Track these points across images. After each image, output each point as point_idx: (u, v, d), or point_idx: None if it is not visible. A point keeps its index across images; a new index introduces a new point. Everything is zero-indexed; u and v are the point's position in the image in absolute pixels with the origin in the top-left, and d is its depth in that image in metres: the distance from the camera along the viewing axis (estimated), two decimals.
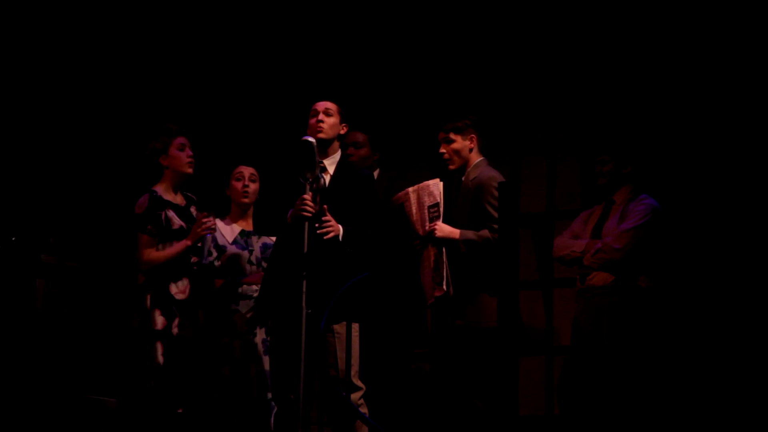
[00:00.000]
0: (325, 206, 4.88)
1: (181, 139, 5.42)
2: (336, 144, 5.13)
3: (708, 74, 5.88)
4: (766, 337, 5.31)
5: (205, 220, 5.31)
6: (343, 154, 5.24)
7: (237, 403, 5.43)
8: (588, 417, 5.40)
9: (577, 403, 5.55)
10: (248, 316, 5.50)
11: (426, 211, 5.32)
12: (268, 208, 5.06)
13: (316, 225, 4.84)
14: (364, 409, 4.97)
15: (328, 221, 4.87)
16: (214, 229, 5.38)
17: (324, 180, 5.01)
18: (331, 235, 4.87)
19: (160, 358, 5.24)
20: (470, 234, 5.24)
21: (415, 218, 5.35)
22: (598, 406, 5.34)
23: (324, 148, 5.05)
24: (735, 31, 5.82)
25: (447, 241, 5.26)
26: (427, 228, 5.29)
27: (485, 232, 5.21)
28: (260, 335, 5.52)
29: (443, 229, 5.27)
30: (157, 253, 5.33)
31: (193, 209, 5.51)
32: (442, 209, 5.29)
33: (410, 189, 5.40)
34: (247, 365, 5.47)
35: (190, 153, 5.41)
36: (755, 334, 5.32)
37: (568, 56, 6.34)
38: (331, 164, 5.09)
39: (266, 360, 5.48)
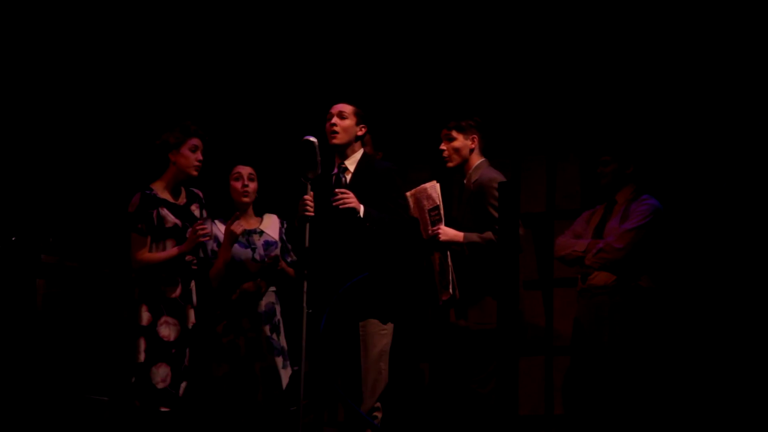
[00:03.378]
0: (337, 190, 4.88)
1: (195, 141, 5.40)
2: (356, 144, 5.13)
3: (709, 74, 5.89)
4: (766, 337, 5.32)
5: (200, 227, 5.31)
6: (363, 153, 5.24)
7: (240, 401, 5.44)
8: (590, 417, 5.41)
9: (579, 403, 5.55)
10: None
11: (427, 214, 5.32)
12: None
13: (332, 198, 4.84)
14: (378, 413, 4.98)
15: (344, 193, 4.87)
16: (210, 236, 5.38)
17: (345, 179, 5.01)
18: (347, 205, 4.86)
19: (142, 355, 5.24)
20: (474, 237, 5.24)
21: (420, 220, 5.35)
22: (600, 406, 5.34)
23: (342, 150, 5.07)
24: (735, 31, 5.83)
25: (451, 244, 5.26)
26: (430, 232, 5.29)
27: (489, 234, 5.21)
28: (265, 333, 5.53)
29: (447, 232, 5.26)
30: (150, 255, 5.33)
31: (194, 207, 5.51)
32: (442, 211, 5.29)
33: (408, 194, 5.39)
34: (251, 363, 5.47)
35: (200, 157, 5.41)
36: (756, 334, 5.33)
37: (569, 56, 6.35)
38: (351, 164, 5.10)
39: (271, 358, 5.48)
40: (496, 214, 5.19)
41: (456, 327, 5.32)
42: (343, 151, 5.07)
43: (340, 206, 4.84)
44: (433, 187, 5.32)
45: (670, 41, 6.04)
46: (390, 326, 5.10)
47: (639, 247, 5.35)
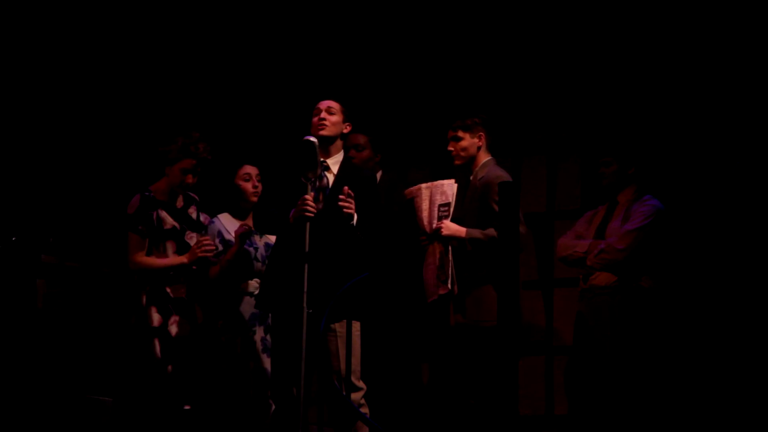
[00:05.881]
0: (346, 187, 4.86)
1: (189, 162, 5.39)
2: (339, 143, 5.10)
3: (710, 74, 5.89)
4: (767, 337, 5.32)
5: (206, 242, 5.32)
6: (346, 156, 5.22)
7: (235, 399, 5.44)
8: (592, 416, 5.41)
9: (581, 402, 5.55)
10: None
11: (436, 209, 5.33)
12: (270, 207, 5.04)
13: (340, 196, 4.82)
14: (365, 409, 4.97)
15: (352, 197, 4.85)
16: (213, 253, 5.38)
17: (327, 179, 5.00)
18: (350, 210, 4.85)
19: (158, 355, 5.25)
20: (476, 233, 5.25)
21: (423, 214, 5.35)
22: (601, 406, 5.34)
23: (326, 146, 5.03)
24: (735, 31, 5.83)
25: (453, 239, 5.26)
26: (434, 226, 5.30)
27: (491, 231, 5.21)
28: (259, 333, 5.53)
29: (449, 227, 5.28)
30: (148, 259, 5.33)
31: (192, 210, 5.51)
32: (452, 209, 5.29)
33: (423, 185, 5.40)
34: (246, 362, 5.48)
35: (190, 180, 5.40)
36: (756, 334, 5.32)
37: (570, 56, 6.35)
38: (334, 164, 5.07)
39: (264, 358, 5.49)
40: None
41: (455, 325, 5.32)
42: (327, 147, 5.04)
43: (344, 209, 4.82)
44: (450, 185, 5.34)
45: (671, 41, 6.03)
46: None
47: (640, 248, 5.35)
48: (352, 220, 4.86)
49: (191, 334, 5.38)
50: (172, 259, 5.36)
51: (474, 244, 5.25)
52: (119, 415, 5.53)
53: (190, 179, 5.40)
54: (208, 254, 5.35)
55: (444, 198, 5.32)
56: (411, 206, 5.43)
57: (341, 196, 4.81)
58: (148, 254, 5.36)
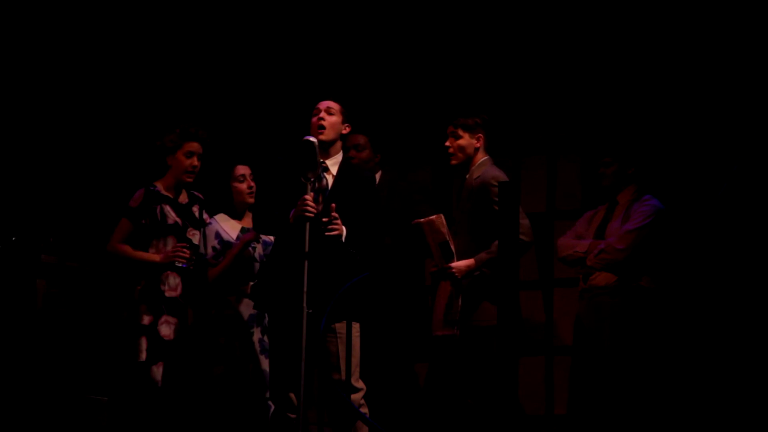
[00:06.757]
0: (333, 205, 4.85)
1: (192, 146, 5.39)
2: (338, 144, 5.09)
3: (710, 74, 5.89)
4: (767, 338, 5.31)
5: (182, 249, 5.32)
6: (345, 156, 5.20)
7: (235, 401, 5.44)
8: (592, 417, 5.41)
9: (582, 402, 5.54)
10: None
11: (438, 248, 5.29)
12: (273, 208, 5.03)
13: (324, 219, 4.81)
14: (364, 410, 4.96)
15: (337, 219, 4.84)
16: (184, 262, 5.36)
17: (326, 180, 4.98)
18: (335, 233, 4.83)
19: (144, 354, 5.24)
20: (484, 256, 5.20)
21: (432, 249, 5.32)
22: (601, 406, 5.34)
23: (326, 148, 5.02)
24: (735, 31, 5.83)
25: (469, 274, 5.22)
26: (441, 266, 5.27)
27: (496, 246, 5.16)
28: (257, 334, 5.53)
29: (460, 268, 5.22)
30: (125, 248, 5.34)
31: (195, 208, 5.52)
32: (452, 245, 5.26)
33: (423, 221, 5.33)
34: (245, 364, 5.47)
35: (196, 163, 5.40)
36: (756, 334, 5.32)
37: (570, 56, 6.35)
38: (333, 165, 5.05)
39: (262, 359, 5.49)
40: None
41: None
42: (326, 149, 5.03)
43: (326, 233, 4.81)
44: (439, 222, 5.27)
45: (671, 41, 6.03)
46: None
47: (640, 248, 5.35)
48: (342, 239, 4.85)
49: (180, 335, 5.36)
50: (147, 255, 5.35)
51: (489, 266, 5.21)
52: (115, 413, 5.53)
53: (195, 161, 5.40)
54: (181, 262, 5.34)
55: (440, 237, 5.28)
56: (423, 236, 5.40)
57: (324, 219, 4.80)
58: (149, 248, 5.36)
